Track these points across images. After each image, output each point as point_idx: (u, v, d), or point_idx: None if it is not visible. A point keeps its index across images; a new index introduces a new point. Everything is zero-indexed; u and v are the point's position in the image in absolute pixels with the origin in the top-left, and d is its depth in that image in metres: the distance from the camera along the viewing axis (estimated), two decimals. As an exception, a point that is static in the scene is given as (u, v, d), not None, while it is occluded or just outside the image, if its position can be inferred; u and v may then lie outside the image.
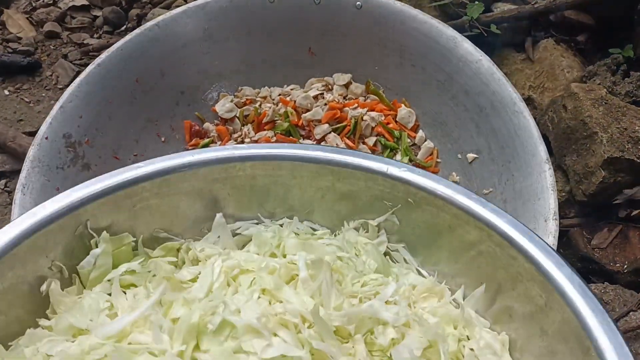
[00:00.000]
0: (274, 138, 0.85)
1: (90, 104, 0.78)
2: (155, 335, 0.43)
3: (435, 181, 0.49)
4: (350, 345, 0.44)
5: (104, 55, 0.80)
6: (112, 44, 0.81)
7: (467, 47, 0.79)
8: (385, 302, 0.47)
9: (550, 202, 0.70)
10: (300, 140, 0.84)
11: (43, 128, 0.76)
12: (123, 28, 1.13)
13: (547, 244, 0.44)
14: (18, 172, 0.95)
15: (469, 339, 0.48)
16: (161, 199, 0.51)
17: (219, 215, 0.54)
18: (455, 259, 0.51)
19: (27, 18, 1.14)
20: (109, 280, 0.49)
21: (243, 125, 0.87)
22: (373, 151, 0.85)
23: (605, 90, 0.85)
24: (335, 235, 0.55)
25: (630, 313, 0.74)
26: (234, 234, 0.55)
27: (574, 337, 0.41)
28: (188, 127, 0.87)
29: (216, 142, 0.86)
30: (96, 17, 1.15)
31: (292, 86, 0.89)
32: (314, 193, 0.54)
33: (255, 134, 0.86)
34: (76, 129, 0.77)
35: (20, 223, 0.45)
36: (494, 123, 0.77)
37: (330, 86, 0.88)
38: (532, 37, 1.02)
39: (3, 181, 0.97)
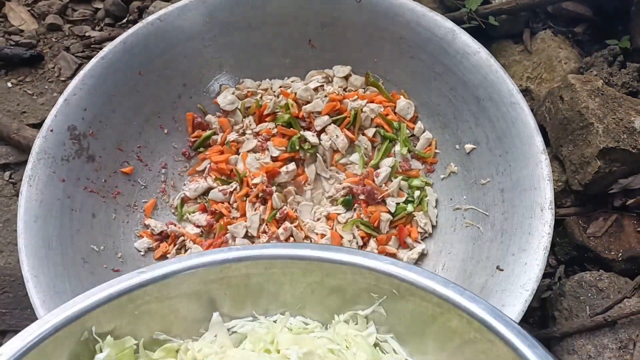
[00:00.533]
0: (275, 129, 0.86)
1: (94, 96, 0.79)
2: None
3: (415, 273, 0.51)
4: None
5: (107, 48, 0.81)
6: (114, 36, 0.82)
7: (465, 39, 0.80)
8: None
9: (547, 191, 0.71)
10: (301, 132, 0.85)
11: (48, 121, 0.77)
12: (124, 20, 1.13)
13: (521, 328, 0.47)
14: (22, 163, 0.97)
15: None
16: (161, 302, 0.53)
17: (215, 315, 0.56)
18: (441, 347, 0.53)
19: (29, 10, 1.15)
20: None
21: (244, 117, 0.88)
22: (372, 142, 0.86)
23: (601, 81, 0.86)
24: (326, 328, 0.57)
25: (625, 300, 0.76)
26: (231, 332, 0.57)
27: None
28: (190, 119, 0.88)
29: (218, 134, 0.88)
30: (97, 9, 1.15)
31: (292, 78, 0.90)
32: (304, 288, 0.55)
33: (257, 125, 0.87)
34: (80, 121, 0.78)
35: (29, 332, 0.46)
36: (492, 114, 0.78)
37: (330, 78, 0.89)
38: (530, 28, 1.03)
39: (7, 173, 0.98)
